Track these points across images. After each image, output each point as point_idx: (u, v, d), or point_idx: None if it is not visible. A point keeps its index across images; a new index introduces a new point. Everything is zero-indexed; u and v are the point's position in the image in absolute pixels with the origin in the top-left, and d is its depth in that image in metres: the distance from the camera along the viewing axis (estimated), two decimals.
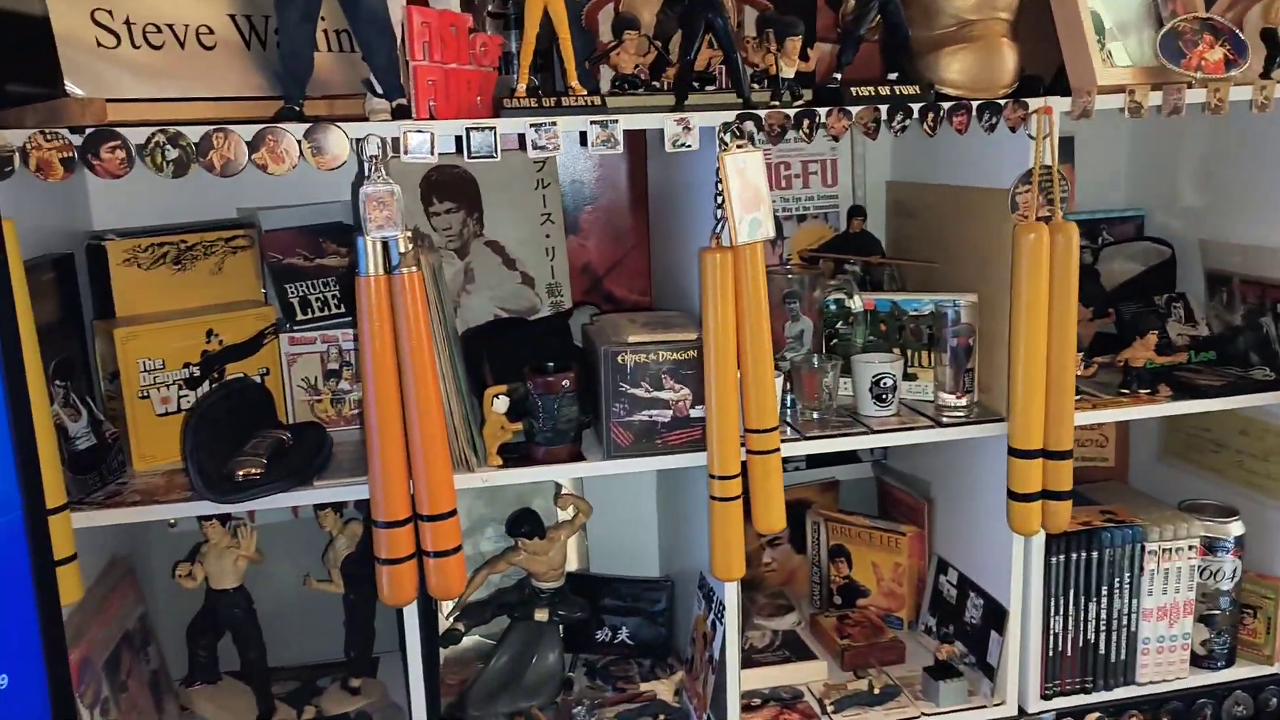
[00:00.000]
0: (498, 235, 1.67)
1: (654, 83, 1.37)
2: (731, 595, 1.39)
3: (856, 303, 1.51)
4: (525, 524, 1.49)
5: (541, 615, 1.53)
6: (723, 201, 1.25)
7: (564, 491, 1.57)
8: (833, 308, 1.54)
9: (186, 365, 1.36)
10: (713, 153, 1.28)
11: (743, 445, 1.31)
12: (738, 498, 1.32)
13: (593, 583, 1.72)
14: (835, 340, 1.55)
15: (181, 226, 1.44)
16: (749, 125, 1.26)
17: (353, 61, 1.31)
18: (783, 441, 1.34)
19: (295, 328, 1.47)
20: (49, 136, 1.09)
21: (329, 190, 1.58)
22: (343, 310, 1.50)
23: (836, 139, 1.29)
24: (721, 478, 1.31)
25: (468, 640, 1.59)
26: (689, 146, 1.25)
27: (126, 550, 1.50)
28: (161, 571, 1.58)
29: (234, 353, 1.41)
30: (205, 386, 1.38)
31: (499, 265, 1.67)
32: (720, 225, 1.26)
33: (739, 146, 1.24)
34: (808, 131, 1.28)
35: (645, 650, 1.69)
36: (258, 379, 1.43)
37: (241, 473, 1.23)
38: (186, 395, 1.37)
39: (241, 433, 1.32)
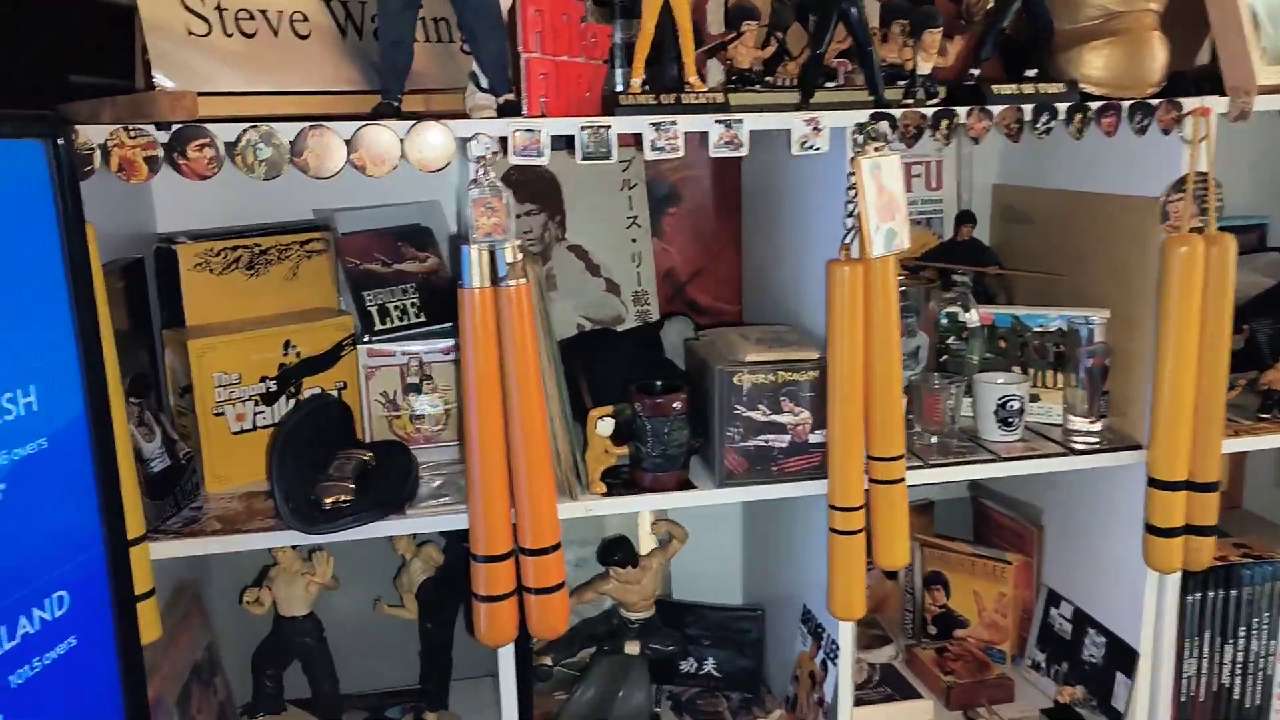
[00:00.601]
0: (581, 239, 1.56)
1: (768, 78, 1.27)
2: (848, 635, 1.29)
3: (973, 317, 1.41)
4: (618, 552, 1.40)
5: (632, 648, 1.43)
6: (855, 210, 1.14)
7: (661, 516, 1.47)
8: (945, 322, 1.43)
9: (263, 379, 1.26)
10: (837, 155, 1.17)
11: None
12: (861, 531, 1.22)
13: (677, 610, 1.61)
14: (945, 357, 1.45)
15: (255, 229, 1.34)
16: (883, 126, 1.15)
17: (450, 53, 1.21)
18: (908, 469, 1.23)
19: (374, 339, 1.36)
20: (132, 133, 0.99)
21: (404, 189, 1.48)
22: (423, 319, 1.40)
23: (977, 141, 1.18)
24: (844, 509, 1.20)
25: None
26: (817, 149, 1.15)
27: (192, 574, 1.41)
28: (221, 594, 1.49)
29: (311, 366, 1.31)
30: (281, 402, 1.28)
31: (582, 271, 1.57)
32: (851, 235, 1.16)
33: (876, 149, 1.13)
34: (945, 133, 1.18)
35: (733, 683, 1.59)
36: (335, 394, 1.33)
37: (329, 500, 1.13)
38: (262, 412, 1.27)
39: (322, 453, 1.22)
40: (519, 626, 1.16)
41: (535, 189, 1.54)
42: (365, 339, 1.36)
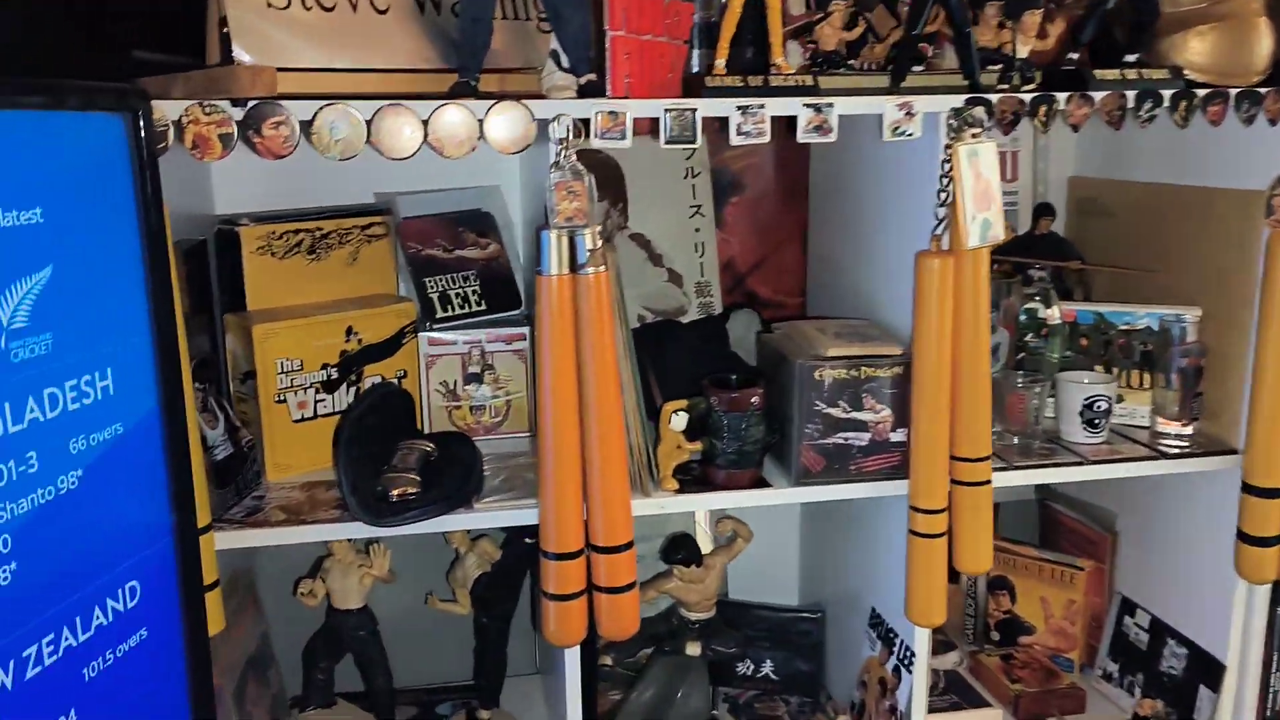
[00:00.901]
0: (643, 228, 1.52)
1: (851, 62, 1.22)
2: (924, 642, 1.24)
3: (1055, 313, 1.35)
4: (682, 550, 1.35)
5: (694, 649, 1.39)
6: (949, 199, 1.09)
7: (724, 514, 1.42)
8: (1024, 318, 1.38)
9: (324, 366, 1.23)
10: (927, 142, 1.13)
11: None
12: (943, 534, 1.17)
13: (734, 610, 1.57)
14: (1023, 354, 1.40)
15: (316, 212, 1.30)
16: (979, 111, 1.10)
17: (526, 31, 1.17)
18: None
19: (435, 326, 1.33)
20: (208, 110, 0.96)
21: (464, 174, 1.43)
22: (484, 307, 1.36)
23: (1075, 129, 1.13)
24: (926, 511, 1.16)
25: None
26: (910, 135, 1.10)
27: (245, 564, 1.38)
28: (270, 584, 1.46)
29: (373, 353, 1.27)
30: (342, 391, 1.24)
31: (644, 261, 1.52)
32: (943, 226, 1.11)
33: (973, 136, 1.08)
34: (1044, 120, 1.13)
35: (791, 687, 1.55)
36: (396, 383, 1.29)
37: (396, 492, 1.09)
38: (323, 400, 1.23)
39: (385, 443, 1.18)
40: (588, 627, 1.13)
41: (597, 176, 1.47)
42: (427, 326, 1.32)
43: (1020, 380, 1.29)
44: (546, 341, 1.03)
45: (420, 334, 1.31)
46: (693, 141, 1.07)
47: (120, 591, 0.84)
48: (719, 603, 1.54)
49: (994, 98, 1.11)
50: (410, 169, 1.41)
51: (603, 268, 1.04)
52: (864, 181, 1.34)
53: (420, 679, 1.56)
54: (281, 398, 1.20)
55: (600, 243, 1.03)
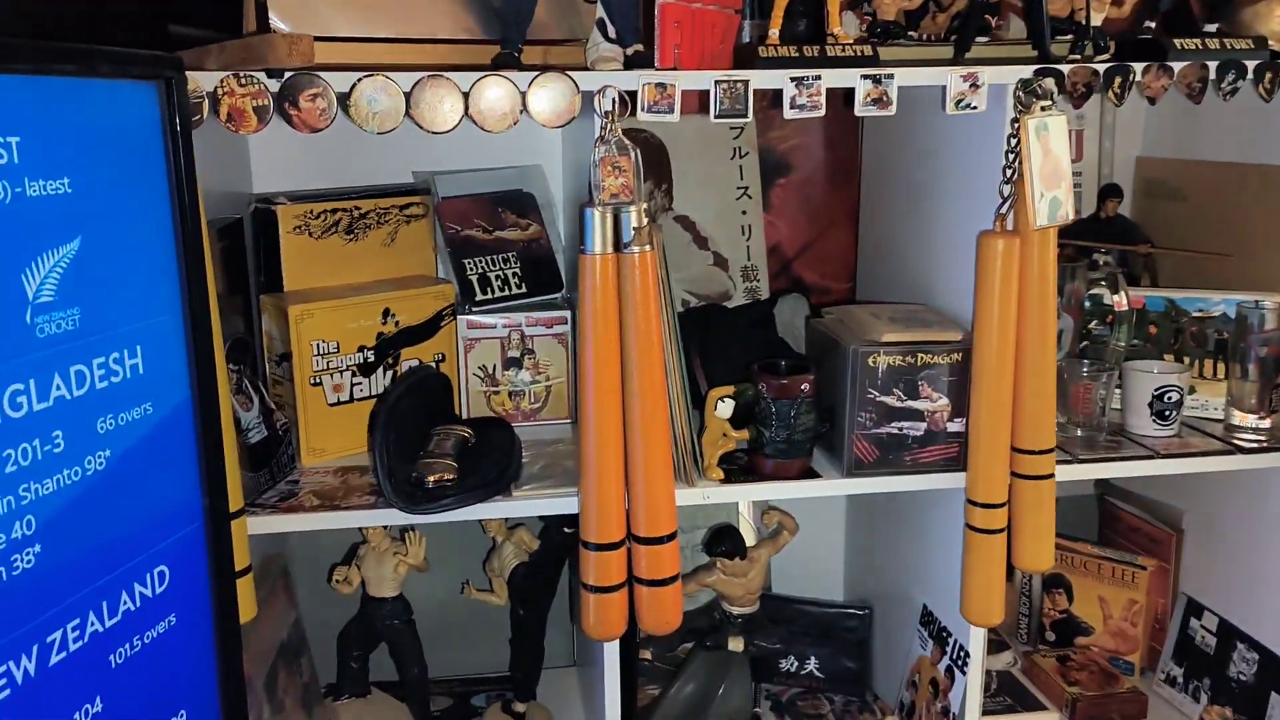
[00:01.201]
0: (688, 210, 1.47)
1: (911, 33, 1.16)
2: (980, 642, 1.19)
3: (1122, 299, 1.29)
4: (725, 541, 1.31)
5: (736, 644, 1.34)
6: (1016, 176, 1.03)
7: (770, 505, 1.37)
8: (1090, 304, 1.32)
9: (361, 349, 1.20)
10: (992, 117, 1.07)
11: None
12: (1003, 530, 1.11)
13: (777, 605, 1.52)
14: (1087, 343, 1.33)
15: (354, 191, 1.27)
16: (1049, 83, 1.04)
17: (570, 2, 1.12)
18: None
19: (474, 309, 1.29)
20: (243, 81, 0.92)
21: (504, 152, 1.40)
22: (524, 290, 1.33)
23: (1153, 101, 1.06)
24: (985, 505, 1.10)
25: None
26: (974, 108, 1.04)
27: (276, 549, 1.35)
28: (303, 569, 1.43)
29: (410, 336, 1.24)
30: (379, 374, 1.21)
31: (689, 244, 1.47)
32: (1009, 204, 1.05)
33: (1042, 109, 1.02)
34: (1119, 92, 1.06)
35: (836, 685, 1.50)
36: (433, 366, 1.26)
37: (433, 478, 1.06)
38: (360, 383, 1.20)
39: (422, 428, 1.15)
40: (628, 620, 1.09)
41: (641, 156, 1.44)
42: (466, 309, 1.29)
43: (1086, 369, 1.22)
44: (589, 323, 0.99)
45: (459, 317, 1.27)
46: (744, 115, 1.02)
47: (149, 576, 0.81)
48: (762, 597, 1.49)
49: (1065, 68, 1.05)
50: (450, 148, 1.38)
51: (648, 247, 0.99)
52: (921, 160, 1.28)
53: (456, 669, 1.53)
54: (317, 380, 1.17)
55: (646, 221, 0.99)
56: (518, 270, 1.33)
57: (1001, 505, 1.10)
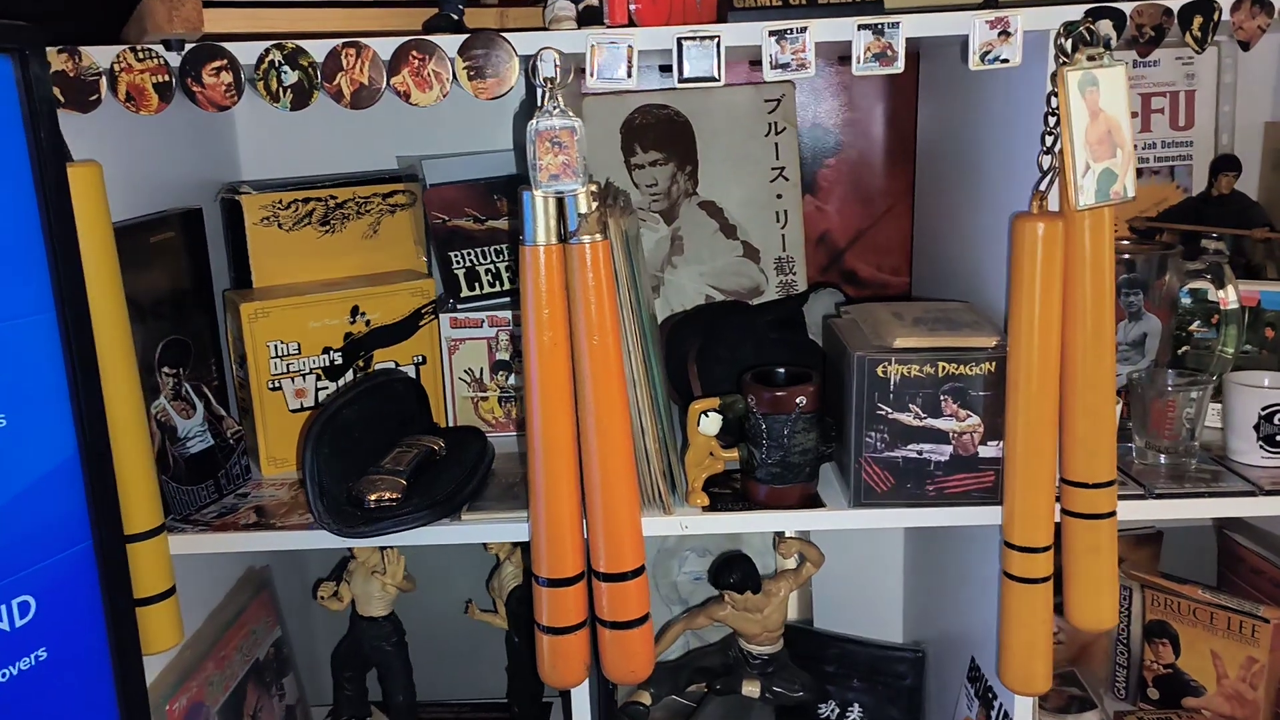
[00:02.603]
0: (715, 194, 1.31)
1: None
2: (1026, 712, 0.98)
3: (1229, 295, 1.04)
4: (735, 572, 1.14)
5: (751, 689, 1.18)
6: (1056, 142, 0.83)
7: (788, 535, 1.20)
8: (1188, 301, 1.08)
9: (326, 350, 1.10)
10: (1035, 73, 0.86)
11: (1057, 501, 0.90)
12: (1047, 579, 0.91)
13: (816, 642, 1.34)
14: (1187, 348, 1.09)
15: (330, 179, 1.17)
16: (1104, 27, 0.83)
17: None
18: (1121, 499, 0.91)
19: (459, 306, 1.18)
20: (141, 55, 0.84)
21: (504, 132, 1.28)
22: (517, 286, 1.20)
23: (1246, 46, 0.83)
24: (1024, 549, 0.90)
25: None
26: (1006, 61, 0.84)
27: (264, 560, 1.28)
28: (299, 580, 1.36)
29: (383, 336, 1.13)
30: (348, 377, 1.12)
31: (715, 233, 1.31)
32: (1049, 179, 0.84)
33: (1089, 58, 0.81)
34: (1198, 35, 0.83)
35: None
36: (411, 370, 1.15)
37: (374, 497, 0.95)
38: (326, 387, 1.11)
39: (384, 438, 1.04)
40: (593, 665, 0.95)
41: (663, 133, 1.30)
42: (449, 306, 1.17)
43: (1172, 382, 0.99)
44: (531, 326, 0.86)
45: (441, 315, 1.16)
46: (714, 79, 0.85)
47: (4, 609, 0.74)
48: (798, 630, 1.32)
49: (1126, 6, 0.83)
50: (449, 127, 1.28)
51: (598, 236, 0.85)
52: (967, 130, 1.08)
53: (459, 691, 1.43)
54: (276, 384, 1.08)
55: (595, 205, 0.84)
56: (511, 263, 1.21)
57: (1044, 549, 0.89)
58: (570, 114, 0.83)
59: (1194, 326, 1.09)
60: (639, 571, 0.91)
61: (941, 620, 1.25)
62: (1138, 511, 0.94)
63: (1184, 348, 1.10)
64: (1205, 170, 1.23)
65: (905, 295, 1.36)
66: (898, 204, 1.37)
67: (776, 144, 1.31)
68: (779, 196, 1.31)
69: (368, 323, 1.12)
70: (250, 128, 1.28)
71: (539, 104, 0.84)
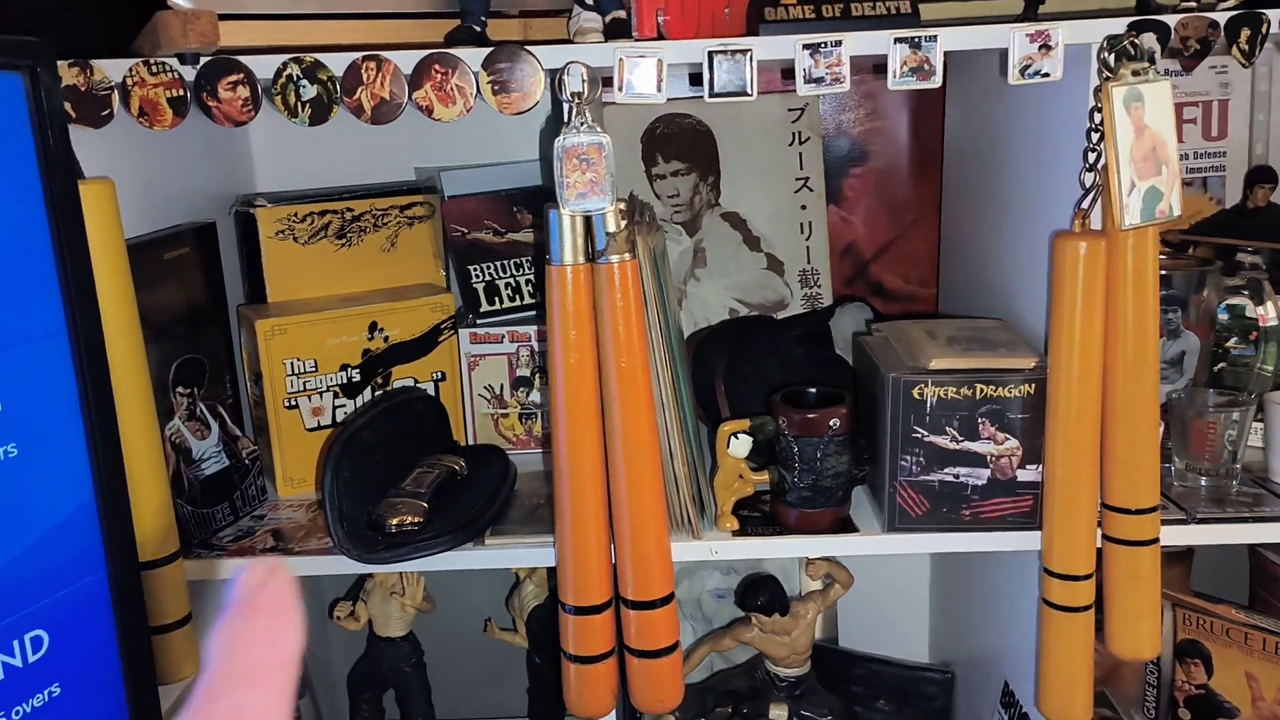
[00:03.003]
0: (738, 206, 1.28)
1: None
2: None
3: (1269, 311, 1.02)
4: (762, 595, 1.12)
5: (779, 713, 1.15)
6: (1100, 159, 0.80)
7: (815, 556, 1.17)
8: (1225, 318, 1.05)
9: (344, 368, 1.08)
10: (1075, 86, 0.84)
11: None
12: (1088, 607, 0.88)
13: (842, 661, 1.32)
14: (1224, 366, 1.06)
15: (346, 191, 1.15)
16: (1147, 40, 0.80)
17: None
18: (1161, 524, 0.88)
19: (479, 321, 1.15)
20: (154, 69, 0.81)
21: (525, 144, 1.26)
22: (538, 300, 1.18)
23: None
24: (1064, 577, 0.87)
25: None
26: (1047, 76, 0.81)
27: None
28: (316, 599, 1.34)
29: (402, 352, 1.11)
30: (366, 395, 1.09)
31: (738, 245, 1.29)
32: (1092, 197, 0.82)
33: (1134, 73, 0.78)
34: (1245, 49, 0.81)
35: None
36: (430, 387, 1.13)
37: (395, 521, 0.93)
38: (343, 405, 1.08)
39: (404, 458, 1.02)
40: (621, 695, 0.93)
41: (685, 144, 1.27)
42: (469, 321, 1.15)
43: (1213, 402, 0.96)
44: (558, 349, 0.83)
45: (460, 330, 1.14)
46: (746, 93, 0.83)
47: (16, 644, 0.72)
48: (820, 651, 1.29)
49: (1171, 19, 0.81)
50: (472, 137, 1.26)
51: (628, 255, 0.82)
52: (1000, 143, 1.05)
53: (479, 712, 1.40)
54: (292, 403, 1.06)
55: (624, 224, 0.82)
56: (531, 278, 1.18)
57: (1086, 577, 0.87)
58: (598, 129, 0.80)
59: (1231, 343, 1.06)
60: (668, 599, 0.89)
61: (970, 641, 1.22)
62: (1179, 537, 0.91)
63: (1220, 365, 1.07)
64: (1239, 181, 1.20)
65: (932, 308, 1.33)
66: (924, 214, 1.34)
67: (800, 154, 1.28)
68: (803, 207, 1.28)
69: (386, 339, 1.09)
70: (264, 139, 1.26)
71: (565, 120, 0.81)
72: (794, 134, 1.28)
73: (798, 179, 1.28)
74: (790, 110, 1.27)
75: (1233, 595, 1.32)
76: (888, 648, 1.34)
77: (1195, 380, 1.02)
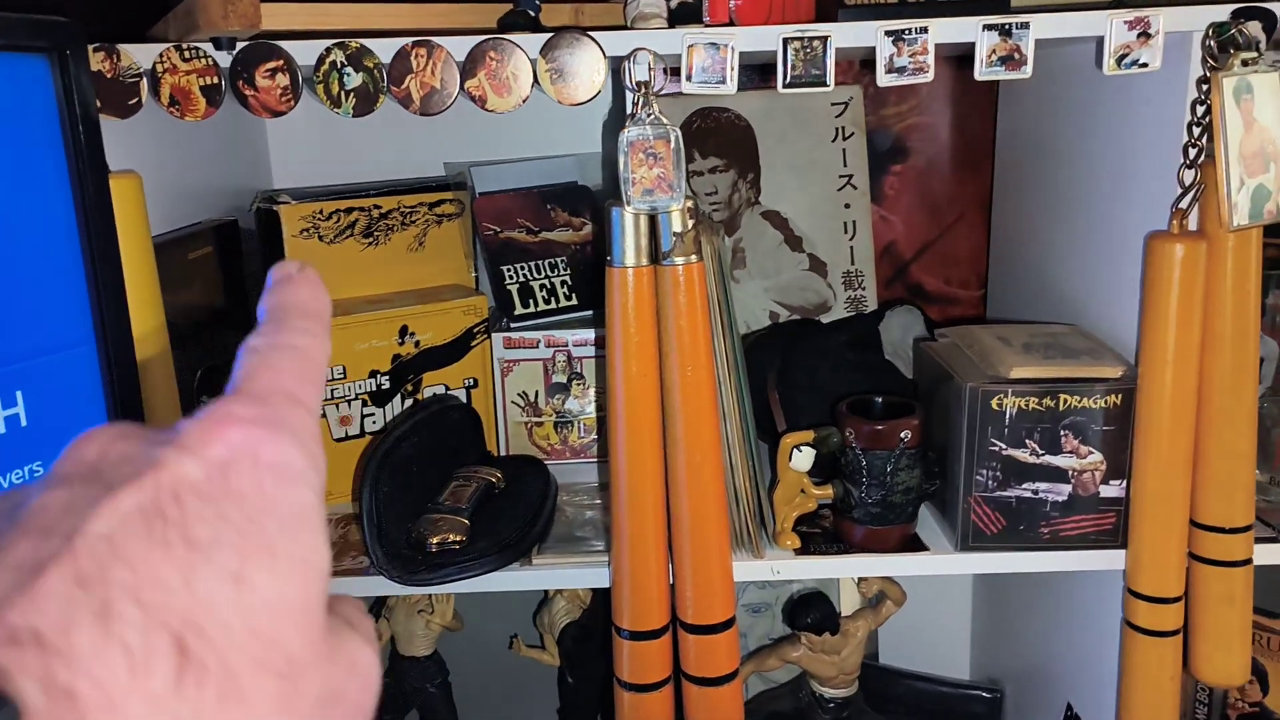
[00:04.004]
0: (779, 204, 1.23)
1: None
2: None
3: None
4: (813, 612, 1.07)
5: None
6: (1205, 157, 0.75)
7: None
8: None
9: (373, 374, 1.02)
10: (1171, 76, 0.79)
11: None
12: (1178, 632, 0.83)
13: (883, 678, 1.27)
14: None
15: (374, 187, 1.09)
16: (1253, 29, 0.75)
17: None
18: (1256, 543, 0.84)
19: (513, 325, 1.09)
20: (187, 55, 0.75)
21: (560, 138, 1.20)
22: (574, 302, 1.12)
23: None
24: (1152, 599, 0.82)
25: None
26: (1144, 66, 0.76)
27: None
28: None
29: (434, 358, 1.05)
30: (396, 403, 1.03)
31: (779, 245, 1.23)
32: (1192, 196, 0.77)
33: (1244, 63, 0.73)
34: None
35: None
36: (462, 395, 1.07)
37: (436, 540, 0.87)
38: (372, 414, 1.02)
39: (436, 472, 0.96)
40: None
41: (723, 140, 1.22)
42: (503, 324, 1.09)
43: None
44: (619, 354, 0.78)
45: (494, 334, 1.08)
46: (822, 84, 0.77)
47: None
48: (866, 669, 1.24)
49: (1275, 6, 0.76)
50: (497, 132, 1.20)
51: (694, 257, 0.77)
52: (1072, 137, 1.00)
53: None
54: (320, 411, 0.99)
55: (692, 223, 0.76)
56: (567, 279, 1.13)
57: (1176, 600, 0.82)
58: (666, 121, 0.75)
59: None
60: (730, 623, 0.83)
61: (1023, 659, 1.17)
62: (1272, 556, 0.86)
63: None
64: None
65: (975, 310, 1.29)
66: (967, 213, 1.29)
67: (844, 150, 1.23)
68: (846, 206, 1.23)
69: (417, 344, 1.03)
70: (282, 131, 1.20)
71: (630, 111, 0.76)
72: (837, 129, 1.23)
73: (841, 176, 1.23)
74: (833, 105, 1.22)
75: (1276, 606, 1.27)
76: (927, 664, 1.30)
77: (1274, 390, 0.98)
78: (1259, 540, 0.86)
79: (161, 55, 0.75)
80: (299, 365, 0.29)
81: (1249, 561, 0.82)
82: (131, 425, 0.27)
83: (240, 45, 0.75)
